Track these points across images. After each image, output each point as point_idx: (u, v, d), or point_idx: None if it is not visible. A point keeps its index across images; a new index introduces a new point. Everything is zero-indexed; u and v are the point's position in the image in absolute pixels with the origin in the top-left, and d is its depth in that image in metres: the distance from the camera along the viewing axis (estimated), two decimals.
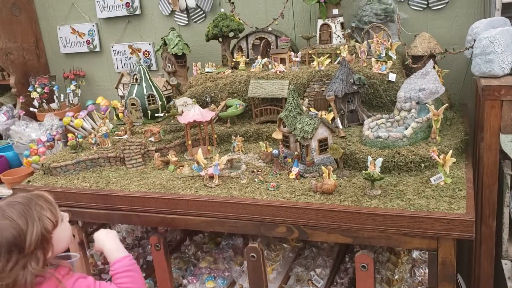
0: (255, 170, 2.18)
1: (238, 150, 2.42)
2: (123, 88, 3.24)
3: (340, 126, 2.33)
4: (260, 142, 2.33)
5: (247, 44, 3.10)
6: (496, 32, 2.01)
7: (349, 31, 2.80)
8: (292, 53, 2.75)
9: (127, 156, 2.40)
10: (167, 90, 3.04)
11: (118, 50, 3.80)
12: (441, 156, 1.84)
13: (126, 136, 2.65)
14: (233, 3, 3.08)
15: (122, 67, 3.80)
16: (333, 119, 2.33)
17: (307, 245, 2.69)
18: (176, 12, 3.47)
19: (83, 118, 2.99)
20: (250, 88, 2.61)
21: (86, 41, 3.90)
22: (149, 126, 2.65)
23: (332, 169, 1.91)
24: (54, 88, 3.76)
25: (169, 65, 3.22)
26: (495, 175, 1.98)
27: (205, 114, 2.38)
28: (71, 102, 3.76)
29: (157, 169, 2.36)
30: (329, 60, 2.61)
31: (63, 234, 1.70)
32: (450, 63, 2.79)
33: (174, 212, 2.07)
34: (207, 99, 2.78)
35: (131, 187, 2.19)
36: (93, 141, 2.54)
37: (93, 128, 3.01)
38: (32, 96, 3.67)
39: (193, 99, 2.66)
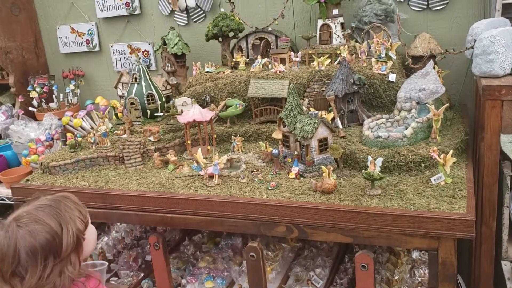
0: (255, 170, 2.17)
1: (238, 149, 2.41)
2: (122, 88, 3.24)
3: (340, 126, 2.32)
4: (260, 142, 2.32)
5: (247, 44, 3.10)
6: (497, 32, 2.01)
7: (349, 31, 2.79)
8: (292, 53, 2.75)
9: (126, 155, 2.39)
10: (167, 90, 3.04)
11: (117, 50, 3.80)
12: (442, 156, 1.84)
13: (125, 136, 2.64)
14: (233, 3, 3.08)
15: (122, 67, 3.80)
16: (333, 119, 2.32)
17: (306, 245, 2.68)
18: (175, 12, 3.47)
19: (82, 118, 2.99)
20: (250, 88, 2.60)
21: (86, 41, 3.89)
22: (149, 126, 2.64)
23: (332, 168, 1.90)
24: (53, 88, 3.75)
25: (169, 65, 3.21)
26: (495, 175, 1.98)
27: (204, 114, 2.37)
28: (70, 101, 3.75)
29: (156, 168, 2.35)
30: (329, 60, 2.60)
31: (91, 236, 1.64)
32: (450, 64, 2.78)
33: (174, 211, 2.06)
34: (207, 99, 2.77)
35: (130, 186, 2.18)
36: (92, 140, 2.53)
37: (92, 128, 3.00)
38: (31, 96, 3.66)
39: (193, 99, 2.66)
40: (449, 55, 2.48)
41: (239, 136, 2.44)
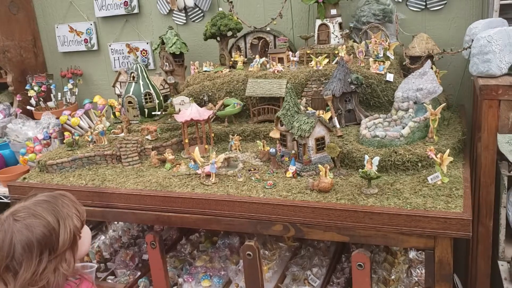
0: (252, 169, 2.17)
1: (235, 149, 2.41)
2: (120, 87, 3.23)
3: (338, 126, 2.32)
4: (258, 141, 2.32)
5: (245, 44, 3.10)
6: (494, 32, 2.01)
7: (347, 31, 2.80)
8: (290, 53, 2.75)
9: (123, 154, 2.39)
10: (165, 89, 3.04)
11: (115, 49, 3.79)
12: (439, 155, 1.84)
13: (122, 134, 2.64)
14: (231, 2, 3.08)
15: (120, 66, 3.80)
16: (331, 118, 2.33)
17: (303, 245, 2.68)
18: (174, 11, 3.47)
19: (80, 117, 2.98)
20: (248, 87, 2.60)
21: (84, 40, 3.89)
22: (146, 124, 2.64)
23: (329, 167, 1.90)
24: (51, 87, 3.75)
25: (167, 64, 3.21)
26: (492, 174, 1.98)
27: (202, 113, 2.37)
28: (68, 100, 3.75)
29: (153, 167, 2.35)
30: (327, 60, 2.61)
31: (86, 237, 1.63)
32: (447, 64, 2.79)
33: (170, 210, 2.06)
34: (205, 98, 2.77)
35: (127, 185, 2.18)
36: (89, 139, 2.53)
37: (90, 127, 3.00)
38: (29, 95, 3.66)
39: (191, 98, 2.65)
40: (446, 55, 2.49)
41: (237, 135, 2.44)
